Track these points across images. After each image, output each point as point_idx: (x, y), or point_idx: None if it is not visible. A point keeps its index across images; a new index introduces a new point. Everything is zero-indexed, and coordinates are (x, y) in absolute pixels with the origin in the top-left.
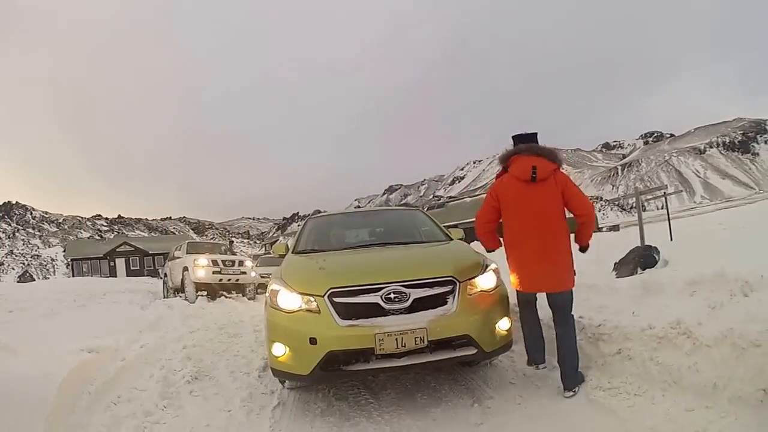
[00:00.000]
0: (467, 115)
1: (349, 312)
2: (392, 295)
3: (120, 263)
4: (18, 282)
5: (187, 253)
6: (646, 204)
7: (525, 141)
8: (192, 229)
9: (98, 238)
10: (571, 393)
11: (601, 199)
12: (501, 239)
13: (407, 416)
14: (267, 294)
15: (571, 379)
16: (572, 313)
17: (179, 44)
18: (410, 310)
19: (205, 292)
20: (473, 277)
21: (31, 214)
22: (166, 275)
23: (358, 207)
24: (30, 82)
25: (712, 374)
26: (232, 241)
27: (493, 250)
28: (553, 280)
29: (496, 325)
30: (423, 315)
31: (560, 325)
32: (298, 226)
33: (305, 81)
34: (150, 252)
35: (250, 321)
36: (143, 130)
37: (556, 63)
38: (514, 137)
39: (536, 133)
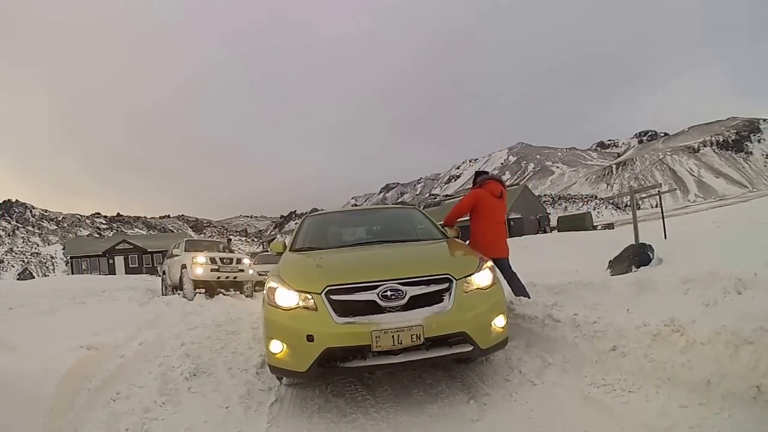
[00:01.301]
0: (463, 114)
1: (345, 309)
2: (389, 293)
3: (119, 261)
4: (18, 279)
5: (185, 251)
6: (640, 202)
7: (482, 174)
8: (190, 227)
9: (97, 236)
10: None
11: (596, 197)
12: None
13: (404, 413)
14: (265, 291)
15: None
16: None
17: (176, 37)
18: (407, 307)
19: (203, 290)
20: (469, 275)
21: (31, 212)
22: (164, 273)
23: (355, 205)
24: (29, 81)
25: (705, 371)
26: (230, 239)
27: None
28: (506, 249)
29: (492, 323)
30: (419, 312)
31: (510, 279)
32: (296, 224)
33: (306, 75)
34: (149, 250)
35: (247, 318)
36: (142, 128)
37: (551, 62)
38: (476, 172)
39: (488, 171)
